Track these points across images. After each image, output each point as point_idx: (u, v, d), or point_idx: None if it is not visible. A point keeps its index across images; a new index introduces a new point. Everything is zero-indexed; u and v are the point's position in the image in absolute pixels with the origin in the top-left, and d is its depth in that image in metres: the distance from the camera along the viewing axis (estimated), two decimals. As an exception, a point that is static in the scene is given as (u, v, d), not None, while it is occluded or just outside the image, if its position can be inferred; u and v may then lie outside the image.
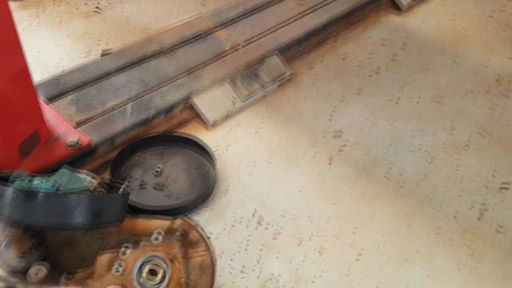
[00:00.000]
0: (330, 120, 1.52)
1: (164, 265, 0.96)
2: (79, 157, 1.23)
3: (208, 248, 1.00)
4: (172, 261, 0.97)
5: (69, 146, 1.22)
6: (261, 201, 1.26)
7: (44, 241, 1.01)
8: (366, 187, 1.32)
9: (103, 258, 0.96)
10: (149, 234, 1.00)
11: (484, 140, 1.48)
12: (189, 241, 1.00)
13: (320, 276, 1.11)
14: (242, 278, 1.10)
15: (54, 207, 0.91)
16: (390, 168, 1.38)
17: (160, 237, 0.98)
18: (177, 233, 0.99)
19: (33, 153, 1.19)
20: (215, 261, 1.00)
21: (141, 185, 1.27)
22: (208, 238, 1.01)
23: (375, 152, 1.42)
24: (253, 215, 1.23)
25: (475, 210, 1.27)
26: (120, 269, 0.95)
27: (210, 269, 0.99)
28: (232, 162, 1.36)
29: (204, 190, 1.25)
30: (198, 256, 0.99)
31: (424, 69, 1.75)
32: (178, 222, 1.01)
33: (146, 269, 0.96)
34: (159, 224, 1.02)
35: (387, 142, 1.46)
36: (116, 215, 0.99)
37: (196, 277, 0.98)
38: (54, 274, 0.94)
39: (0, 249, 1.03)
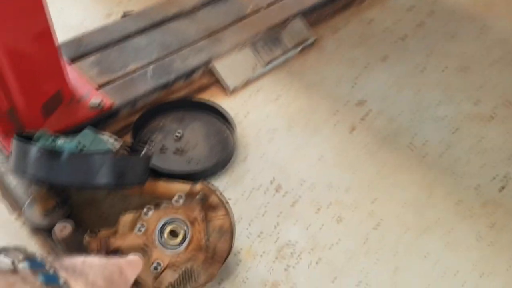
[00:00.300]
0: (353, 87, 1.49)
1: (185, 227, 0.98)
2: (101, 119, 1.24)
3: (228, 213, 1.01)
4: (192, 223, 0.98)
5: (92, 107, 1.22)
6: (280, 169, 1.26)
7: (68, 200, 1.03)
8: (388, 156, 1.30)
9: (126, 218, 0.98)
10: (170, 197, 1.01)
11: (509, 111, 1.44)
12: (209, 205, 1.01)
13: (337, 243, 1.11)
14: (259, 242, 1.11)
15: (78, 166, 0.92)
16: (413, 137, 1.35)
17: (181, 200, 0.99)
18: (198, 196, 1.00)
19: (56, 113, 1.20)
20: (234, 225, 1.02)
21: (161, 149, 1.28)
22: (227, 202, 1.02)
23: (398, 121, 1.40)
24: (272, 182, 1.23)
25: (497, 182, 1.25)
26: (143, 229, 0.96)
27: (229, 232, 1.01)
28: (252, 129, 1.36)
29: (224, 156, 1.26)
30: (217, 219, 1.01)
31: (451, 36, 1.69)
32: (198, 186, 1.02)
33: (167, 230, 0.97)
34: (180, 187, 1.03)
35: (411, 111, 1.43)
36: (138, 177, 1.00)
37: (215, 239, 1.00)
38: (77, 233, 0.96)
39: (24, 206, 1.05)
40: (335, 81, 1.51)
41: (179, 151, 1.27)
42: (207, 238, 0.99)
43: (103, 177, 0.93)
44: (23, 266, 0.33)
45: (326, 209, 1.17)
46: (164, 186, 1.05)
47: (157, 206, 1.00)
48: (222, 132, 1.33)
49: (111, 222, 1.05)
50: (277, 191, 1.21)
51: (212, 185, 1.04)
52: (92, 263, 0.40)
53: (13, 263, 0.33)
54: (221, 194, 1.02)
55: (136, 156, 1.06)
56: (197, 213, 0.99)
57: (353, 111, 1.42)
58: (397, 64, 1.57)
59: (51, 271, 0.34)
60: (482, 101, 1.47)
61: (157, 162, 1.20)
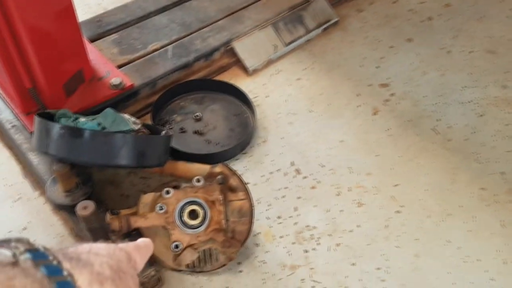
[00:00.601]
0: (377, 68, 1.46)
1: (205, 208, 0.98)
2: (122, 98, 1.24)
3: (247, 194, 1.01)
4: (212, 204, 0.98)
5: (113, 86, 1.22)
6: (301, 151, 1.24)
7: (90, 179, 1.04)
8: (412, 139, 1.27)
9: (147, 198, 0.98)
10: (189, 178, 1.00)
11: (539, 96, 1.39)
12: (229, 186, 1.01)
13: (357, 227, 1.10)
14: (279, 224, 1.10)
15: (100, 146, 0.92)
16: (437, 121, 1.32)
17: (201, 181, 0.99)
18: (218, 177, 1.00)
19: (77, 92, 1.20)
20: (254, 207, 1.01)
21: (181, 129, 1.27)
22: (247, 184, 1.01)
23: (423, 104, 1.36)
24: (291, 165, 1.22)
25: (523, 168, 1.21)
26: (163, 209, 0.97)
27: (248, 214, 1.00)
28: (272, 110, 1.34)
29: (244, 137, 1.24)
30: (237, 201, 1.00)
31: (479, 17, 1.64)
32: (218, 168, 1.01)
33: (187, 211, 0.97)
34: (200, 169, 1.03)
35: (437, 93, 1.39)
36: (159, 157, 1.00)
37: (235, 221, 1.00)
38: (99, 211, 0.96)
39: (47, 184, 1.06)
40: (358, 63, 1.48)
41: (198, 132, 1.27)
42: (227, 220, 0.99)
43: (124, 156, 0.93)
44: (24, 258, 0.32)
45: (346, 193, 1.16)
46: (184, 167, 1.05)
47: (176, 187, 1.00)
48: (242, 114, 1.32)
49: (132, 201, 1.05)
50: (297, 174, 1.20)
51: (232, 167, 1.03)
52: (98, 252, 0.39)
53: (14, 255, 0.32)
54: (240, 176, 1.02)
55: (156, 136, 1.05)
56: (217, 194, 0.98)
57: (376, 93, 1.39)
58: (422, 46, 1.53)
59: (54, 263, 0.33)
60: (509, 85, 1.42)
61: (177, 143, 1.19)
